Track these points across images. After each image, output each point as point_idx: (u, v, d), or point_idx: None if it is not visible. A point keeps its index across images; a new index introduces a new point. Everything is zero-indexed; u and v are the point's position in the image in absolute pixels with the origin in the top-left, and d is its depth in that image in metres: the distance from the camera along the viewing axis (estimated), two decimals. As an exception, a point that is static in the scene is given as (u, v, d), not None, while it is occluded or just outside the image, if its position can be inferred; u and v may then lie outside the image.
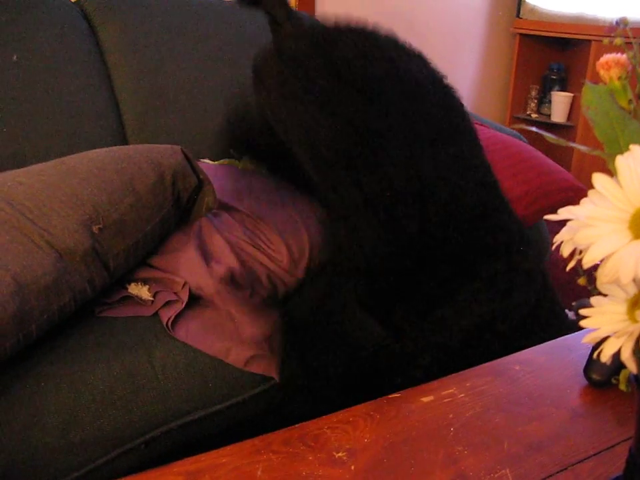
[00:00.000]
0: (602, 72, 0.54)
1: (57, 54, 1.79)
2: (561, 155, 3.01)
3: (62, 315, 1.12)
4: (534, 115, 3.43)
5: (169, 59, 1.97)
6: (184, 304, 1.23)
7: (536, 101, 3.46)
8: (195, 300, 1.26)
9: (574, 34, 3.13)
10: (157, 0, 2.07)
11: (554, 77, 3.39)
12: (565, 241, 0.45)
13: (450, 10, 3.25)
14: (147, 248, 1.26)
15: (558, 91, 3.36)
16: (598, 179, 0.42)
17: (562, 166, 2.69)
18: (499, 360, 1.00)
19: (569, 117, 3.29)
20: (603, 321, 0.45)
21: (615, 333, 0.44)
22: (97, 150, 1.32)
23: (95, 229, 1.15)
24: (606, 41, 0.54)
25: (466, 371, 0.97)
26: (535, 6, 3.25)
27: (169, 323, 1.20)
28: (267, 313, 1.24)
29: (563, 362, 0.99)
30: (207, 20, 2.09)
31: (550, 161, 1.86)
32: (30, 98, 1.72)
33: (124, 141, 1.82)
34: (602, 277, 0.41)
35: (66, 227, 1.12)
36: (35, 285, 1.05)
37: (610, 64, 0.54)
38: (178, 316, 1.22)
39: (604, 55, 0.55)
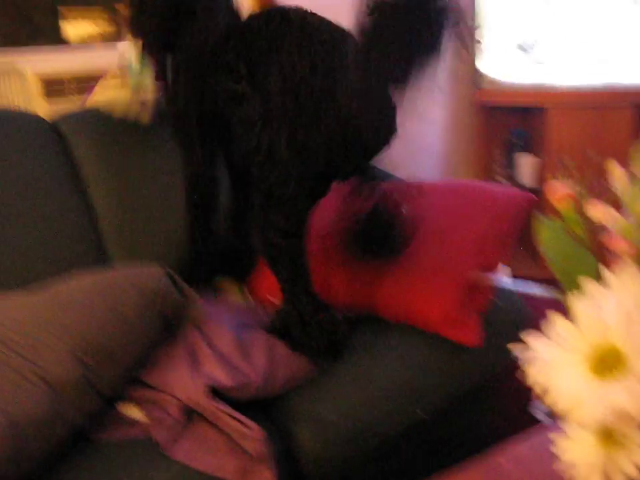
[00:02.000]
0: (555, 203, 0.58)
1: (35, 183, 1.81)
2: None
3: (57, 447, 1.13)
4: (502, 181, 3.51)
5: (149, 175, 2.00)
6: (181, 424, 1.23)
7: (502, 167, 3.54)
8: (188, 414, 1.27)
9: (532, 102, 3.23)
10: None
11: (517, 143, 3.47)
12: (534, 380, 0.47)
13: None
14: (138, 369, 1.28)
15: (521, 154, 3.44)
16: (556, 321, 0.45)
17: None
18: (484, 455, 1.01)
19: (535, 182, 3.37)
20: (578, 455, 0.47)
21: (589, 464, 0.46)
22: (82, 276, 1.35)
23: (84, 357, 1.17)
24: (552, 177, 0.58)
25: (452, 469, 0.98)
26: (492, 78, 3.35)
27: (165, 445, 1.21)
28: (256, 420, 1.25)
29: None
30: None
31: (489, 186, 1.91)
32: (5, 221, 1.73)
33: (105, 256, 1.83)
34: (569, 417, 0.43)
35: (56, 359, 1.14)
36: (28, 422, 1.07)
37: (561, 196, 0.58)
38: (171, 432, 1.23)
39: (554, 184, 0.59)
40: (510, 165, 3.51)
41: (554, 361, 0.45)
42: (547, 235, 0.55)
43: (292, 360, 1.41)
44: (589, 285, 0.47)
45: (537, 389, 0.50)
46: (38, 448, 1.08)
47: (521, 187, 3.35)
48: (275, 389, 1.35)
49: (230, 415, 1.23)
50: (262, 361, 1.37)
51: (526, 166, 3.38)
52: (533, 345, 0.47)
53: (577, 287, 0.49)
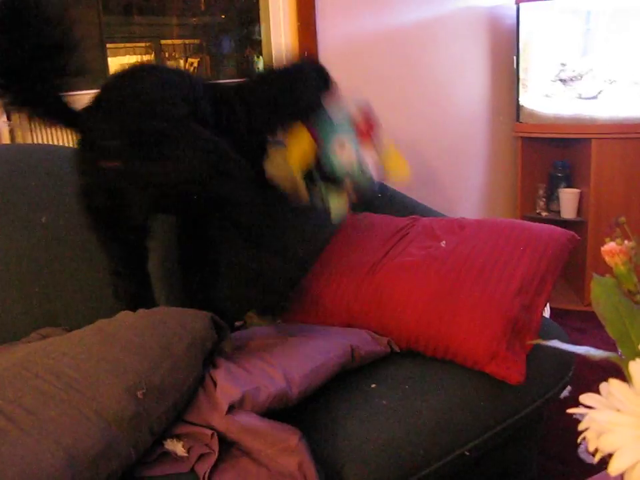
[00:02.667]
0: (607, 258, 0.60)
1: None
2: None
3: (109, 482, 1.16)
4: (544, 213, 3.50)
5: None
6: (216, 454, 1.26)
7: (544, 199, 3.54)
8: (227, 448, 1.29)
9: (573, 133, 3.24)
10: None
11: (559, 175, 3.47)
12: (589, 439, 0.49)
13: (453, 120, 3.37)
14: (184, 405, 1.31)
15: (565, 187, 3.43)
16: (613, 385, 0.47)
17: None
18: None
19: (579, 213, 3.36)
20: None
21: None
22: (131, 315, 1.39)
23: (139, 394, 1.20)
24: (608, 239, 0.60)
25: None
26: (532, 110, 3.37)
27: (205, 478, 1.23)
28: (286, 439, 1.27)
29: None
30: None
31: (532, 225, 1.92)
32: (59, 257, 1.80)
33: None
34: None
35: (112, 395, 1.18)
36: (85, 457, 1.10)
37: (614, 251, 0.60)
38: (213, 467, 1.25)
39: (607, 243, 0.61)
40: (552, 197, 3.51)
41: (611, 424, 0.47)
42: (598, 293, 0.56)
43: (306, 358, 1.46)
44: (645, 348, 0.48)
45: (590, 448, 0.52)
46: (92, 482, 1.11)
47: (564, 220, 3.34)
48: (292, 395, 1.38)
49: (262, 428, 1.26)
50: (274, 365, 1.42)
51: (569, 199, 3.37)
52: (590, 406, 0.49)
53: (630, 346, 0.50)
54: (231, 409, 1.28)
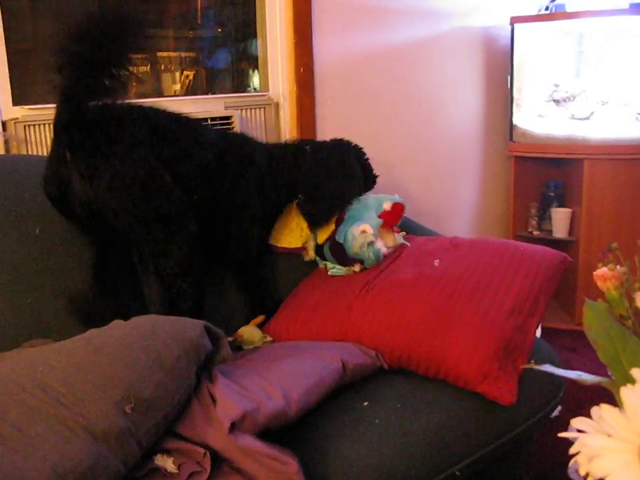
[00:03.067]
0: (599, 283, 0.60)
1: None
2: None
3: (97, 498, 1.15)
4: (536, 232, 3.51)
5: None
6: (207, 473, 1.25)
7: (537, 218, 3.55)
8: (219, 465, 1.28)
9: (566, 154, 3.26)
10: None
11: (552, 194, 3.49)
12: (580, 463, 0.49)
13: (447, 139, 3.39)
14: (174, 417, 1.30)
15: (557, 207, 3.45)
16: (605, 410, 0.47)
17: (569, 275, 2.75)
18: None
19: (570, 232, 3.37)
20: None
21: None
22: (121, 325, 1.38)
23: (127, 408, 1.19)
24: (600, 265, 0.60)
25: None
26: (526, 130, 3.39)
27: (194, 495, 1.23)
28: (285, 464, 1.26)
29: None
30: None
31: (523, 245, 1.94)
32: (51, 269, 1.80)
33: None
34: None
35: (100, 410, 1.16)
36: (73, 474, 1.08)
37: (606, 276, 0.60)
38: (204, 486, 1.25)
39: (599, 268, 0.61)
40: (544, 216, 3.52)
41: (603, 449, 0.47)
42: (590, 317, 0.57)
43: (303, 376, 1.45)
44: (637, 375, 0.48)
45: (582, 472, 0.52)
46: (80, 499, 1.10)
47: (556, 239, 3.35)
48: (290, 414, 1.36)
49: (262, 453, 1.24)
50: (272, 383, 1.40)
51: (561, 218, 3.39)
52: (581, 430, 0.49)
53: (624, 373, 0.50)
54: (231, 427, 1.25)
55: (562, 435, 0.51)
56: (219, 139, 1.88)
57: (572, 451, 0.52)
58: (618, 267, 0.61)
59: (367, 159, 2.17)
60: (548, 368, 0.61)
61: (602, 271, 0.61)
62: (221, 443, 1.26)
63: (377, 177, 2.20)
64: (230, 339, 1.84)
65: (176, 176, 1.72)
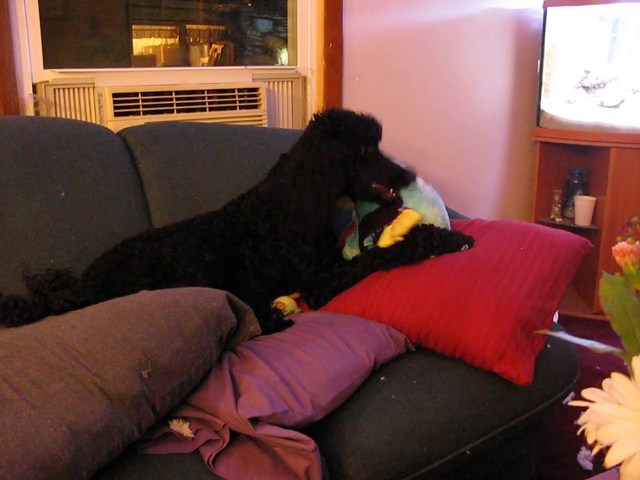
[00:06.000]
0: (617, 258, 0.60)
1: (100, 190, 1.91)
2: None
3: (110, 458, 1.17)
4: (558, 219, 3.49)
5: (205, 187, 2.08)
6: (225, 443, 1.26)
7: (559, 205, 3.53)
8: (234, 434, 1.29)
9: (593, 141, 3.22)
10: (194, 129, 2.20)
11: (576, 182, 3.46)
12: (589, 431, 0.50)
13: (474, 121, 3.37)
14: (191, 387, 1.32)
15: (580, 194, 3.42)
16: (616, 379, 0.47)
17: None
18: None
19: (593, 221, 3.34)
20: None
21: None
22: (145, 293, 1.40)
23: (144, 373, 1.21)
24: (619, 238, 0.60)
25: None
26: (553, 115, 3.36)
27: (210, 461, 1.24)
28: (302, 442, 1.27)
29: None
30: (241, 146, 2.21)
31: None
32: (75, 230, 1.83)
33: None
34: (626, 476, 0.45)
35: (117, 373, 1.18)
36: (88, 433, 1.10)
37: (625, 251, 0.60)
38: (219, 452, 1.26)
39: (618, 242, 0.61)
40: (567, 203, 3.50)
41: (612, 417, 0.47)
42: (607, 290, 0.57)
43: (334, 383, 1.45)
44: (650, 345, 0.49)
45: (589, 440, 0.52)
46: (94, 458, 1.12)
47: (578, 228, 3.33)
48: (315, 418, 1.37)
49: (278, 437, 1.25)
50: (305, 388, 1.40)
51: (584, 206, 3.36)
52: (592, 400, 0.49)
53: (635, 343, 0.50)
54: (255, 420, 1.27)
55: (572, 403, 0.52)
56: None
57: (581, 420, 0.53)
58: (637, 242, 0.61)
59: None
60: (562, 335, 0.62)
61: (621, 246, 0.61)
62: (239, 427, 1.27)
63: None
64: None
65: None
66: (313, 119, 1.94)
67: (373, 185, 1.91)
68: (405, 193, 1.93)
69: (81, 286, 1.57)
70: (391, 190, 1.91)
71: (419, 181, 1.97)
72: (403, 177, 1.91)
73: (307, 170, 1.82)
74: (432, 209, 1.92)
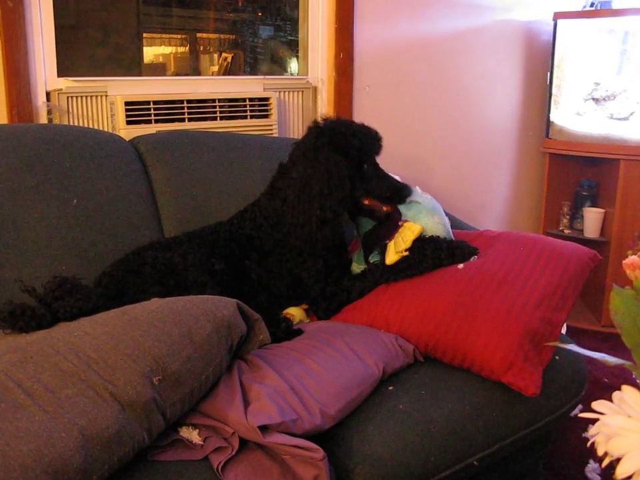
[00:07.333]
0: (628, 271, 0.61)
1: (112, 197, 1.93)
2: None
3: (121, 464, 1.17)
4: (566, 231, 3.49)
5: (215, 196, 2.10)
6: (234, 451, 1.27)
7: (568, 217, 3.53)
8: (244, 442, 1.30)
9: (602, 153, 3.23)
10: (205, 138, 2.22)
11: (585, 193, 3.46)
12: (599, 443, 0.50)
13: (483, 132, 3.38)
14: (201, 394, 1.33)
15: (589, 206, 3.42)
16: (626, 392, 0.48)
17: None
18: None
19: (602, 233, 3.34)
20: None
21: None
22: (157, 300, 1.41)
23: (155, 380, 1.22)
24: (630, 252, 0.61)
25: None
26: (563, 127, 3.36)
27: (219, 468, 1.25)
28: (311, 451, 1.27)
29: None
30: (252, 155, 2.22)
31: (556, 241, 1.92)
32: (87, 237, 1.84)
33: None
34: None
35: (129, 380, 1.19)
36: (99, 438, 1.11)
37: (635, 265, 0.61)
38: (227, 459, 1.26)
39: (629, 256, 0.62)
40: (576, 215, 3.50)
41: (622, 429, 0.48)
42: (617, 303, 0.57)
43: (342, 392, 1.45)
44: (660, 359, 0.49)
45: (600, 452, 0.53)
46: (104, 463, 1.13)
47: (586, 239, 3.33)
48: (324, 428, 1.37)
49: (287, 445, 1.26)
50: (314, 397, 1.40)
51: (593, 218, 3.36)
52: (601, 412, 0.50)
53: (647, 358, 0.51)
54: (264, 428, 1.27)
55: (582, 415, 0.52)
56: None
57: (591, 432, 0.53)
58: (647, 255, 0.61)
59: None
60: (573, 347, 0.62)
61: (631, 259, 0.61)
62: (248, 435, 1.28)
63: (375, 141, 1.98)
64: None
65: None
66: (313, 128, 1.92)
67: (366, 202, 1.92)
68: (403, 205, 1.93)
69: (86, 293, 1.57)
70: (384, 207, 1.92)
71: (416, 190, 1.97)
72: (399, 194, 1.91)
73: (313, 186, 1.81)
74: (432, 218, 1.91)
